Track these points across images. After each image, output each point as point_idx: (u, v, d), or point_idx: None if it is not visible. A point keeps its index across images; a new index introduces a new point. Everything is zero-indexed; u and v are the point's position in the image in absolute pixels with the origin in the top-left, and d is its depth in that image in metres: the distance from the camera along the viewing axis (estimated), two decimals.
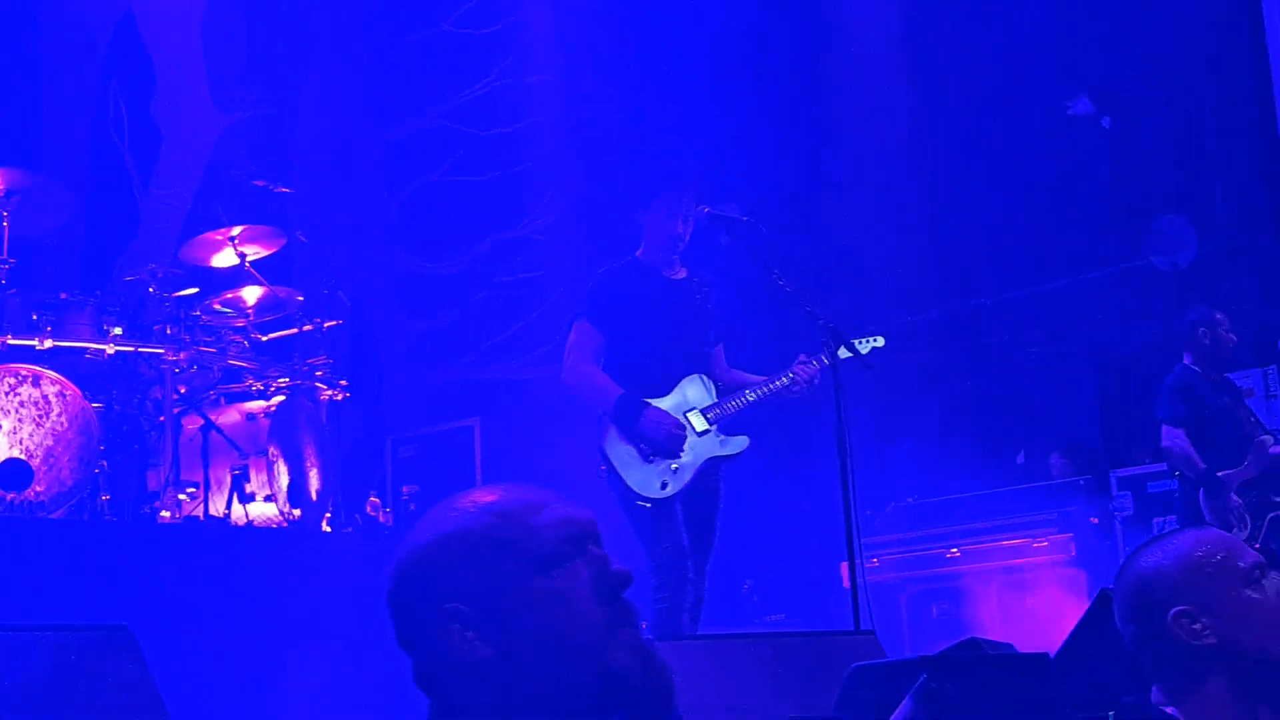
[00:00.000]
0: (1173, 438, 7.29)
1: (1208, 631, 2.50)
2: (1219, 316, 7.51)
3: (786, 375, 5.69)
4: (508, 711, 1.75)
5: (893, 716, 2.85)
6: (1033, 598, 8.70)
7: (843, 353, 5.63)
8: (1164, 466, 8.89)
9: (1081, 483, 9.20)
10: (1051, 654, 3.24)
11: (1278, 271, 9.63)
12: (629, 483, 5.55)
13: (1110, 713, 3.03)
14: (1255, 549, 3.09)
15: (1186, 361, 7.52)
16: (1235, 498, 7.09)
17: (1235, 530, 7.00)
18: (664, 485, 5.54)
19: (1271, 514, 7.11)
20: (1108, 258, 10.79)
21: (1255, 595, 2.52)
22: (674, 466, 5.57)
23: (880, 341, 5.88)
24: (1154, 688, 2.60)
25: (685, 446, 5.60)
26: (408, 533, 1.87)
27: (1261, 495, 7.08)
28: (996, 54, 10.68)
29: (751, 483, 6.90)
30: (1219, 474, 7.13)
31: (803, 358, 5.69)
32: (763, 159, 10.65)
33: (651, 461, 5.56)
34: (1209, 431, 7.26)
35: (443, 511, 1.85)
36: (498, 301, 10.85)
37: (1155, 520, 8.76)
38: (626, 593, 1.85)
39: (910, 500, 9.70)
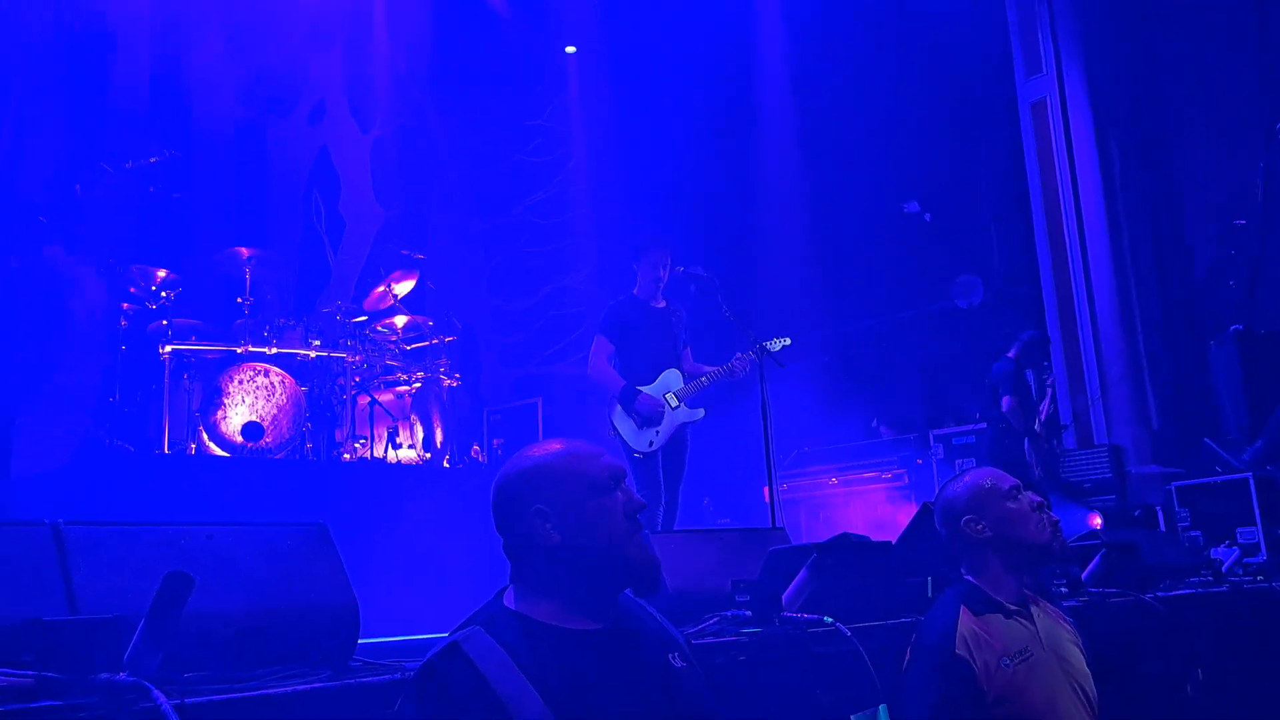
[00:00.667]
0: (1009, 405, 7.03)
1: (986, 530, 2.48)
2: (1037, 334, 7.36)
3: (727, 365, 5.51)
4: (568, 578, 1.75)
5: (794, 581, 2.90)
6: (882, 509, 8.93)
7: (777, 343, 5.56)
8: (966, 428, 9.11)
9: (911, 439, 9.42)
10: (893, 543, 3.31)
11: (1035, 310, 9.87)
12: (629, 441, 5.40)
13: (929, 577, 3.16)
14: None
15: (1010, 356, 7.26)
16: (1039, 430, 6.89)
17: (1040, 466, 6.95)
18: (651, 444, 5.41)
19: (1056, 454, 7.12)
20: (930, 298, 10.92)
21: (1013, 505, 2.49)
22: (657, 431, 5.43)
23: (788, 341, 5.68)
24: (960, 566, 2.55)
25: (664, 418, 5.44)
26: (508, 461, 1.84)
27: (1049, 436, 6.99)
28: (860, 161, 10.76)
29: (710, 438, 7.01)
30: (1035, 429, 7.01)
31: (739, 355, 5.51)
32: (712, 227, 10.65)
33: (643, 429, 5.40)
34: (1026, 402, 7.07)
35: (530, 450, 1.83)
36: (552, 326, 10.73)
37: (958, 461, 8.92)
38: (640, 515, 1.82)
39: (806, 449, 9.89)
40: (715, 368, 5.55)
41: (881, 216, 10.83)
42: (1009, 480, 2.53)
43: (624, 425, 5.42)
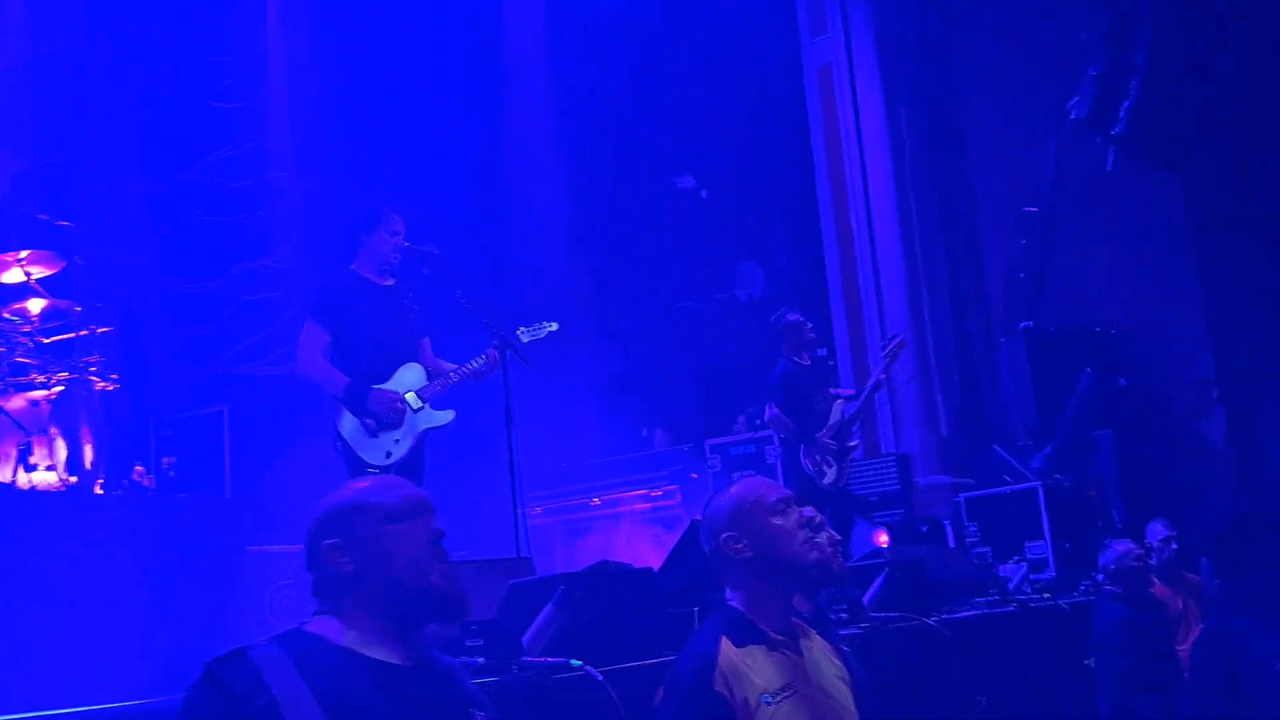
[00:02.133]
0: (771, 414, 7.16)
1: (746, 548, 2.52)
2: (801, 319, 7.43)
3: (477, 360, 5.49)
4: (367, 605, 2.01)
5: (538, 619, 2.96)
6: (652, 531, 9.00)
7: (526, 334, 5.58)
8: (745, 436, 9.43)
9: (685, 450, 9.56)
10: (656, 570, 3.41)
11: (818, 302, 10.26)
12: (362, 454, 5.22)
13: (697, 607, 3.27)
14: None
15: (785, 354, 7.30)
16: (829, 440, 7.01)
17: (828, 469, 7.01)
18: (389, 454, 5.25)
19: (848, 456, 7.16)
20: (706, 289, 11.27)
21: (779, 521, 2.55)
22: (395, 438, 5.27)
23: (553, 326, 5.71)
24: (725, 587, 2.60)
25: (405, 421, 5.29)
26: (319, 502, 2.10)
27: (840, 442, 7.11)
28: (628, 136, 10.93)
29: (452, 448, 6.83)
30: (818, 435, 7.10)
31: (490, 350, 5.49)
32: (452, 202, 10.39)
33: (377, 436, 5.24)
34: (800, 405, 7.13)
35: (335, 491, 2.13)
36: (244, 315, 10.26)
37: (735, 474, 9.00)
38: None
39: (564, 464, 9.91)
40: (468, 363, 5.50)
41: (653, 194, 11.05)
42: (777, 492, 2.61)
43: (354, 433, 5.24)
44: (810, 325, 7.43)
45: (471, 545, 9.01)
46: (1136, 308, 8.62)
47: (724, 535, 2.55)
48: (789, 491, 2.65)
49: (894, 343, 7.48)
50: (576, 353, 10.82)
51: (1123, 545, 5.67)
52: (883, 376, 7.53)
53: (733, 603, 2.57)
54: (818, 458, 7.04)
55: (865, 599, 4.88)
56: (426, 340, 5.63)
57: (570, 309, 10.70)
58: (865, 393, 7.36)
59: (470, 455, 8.25)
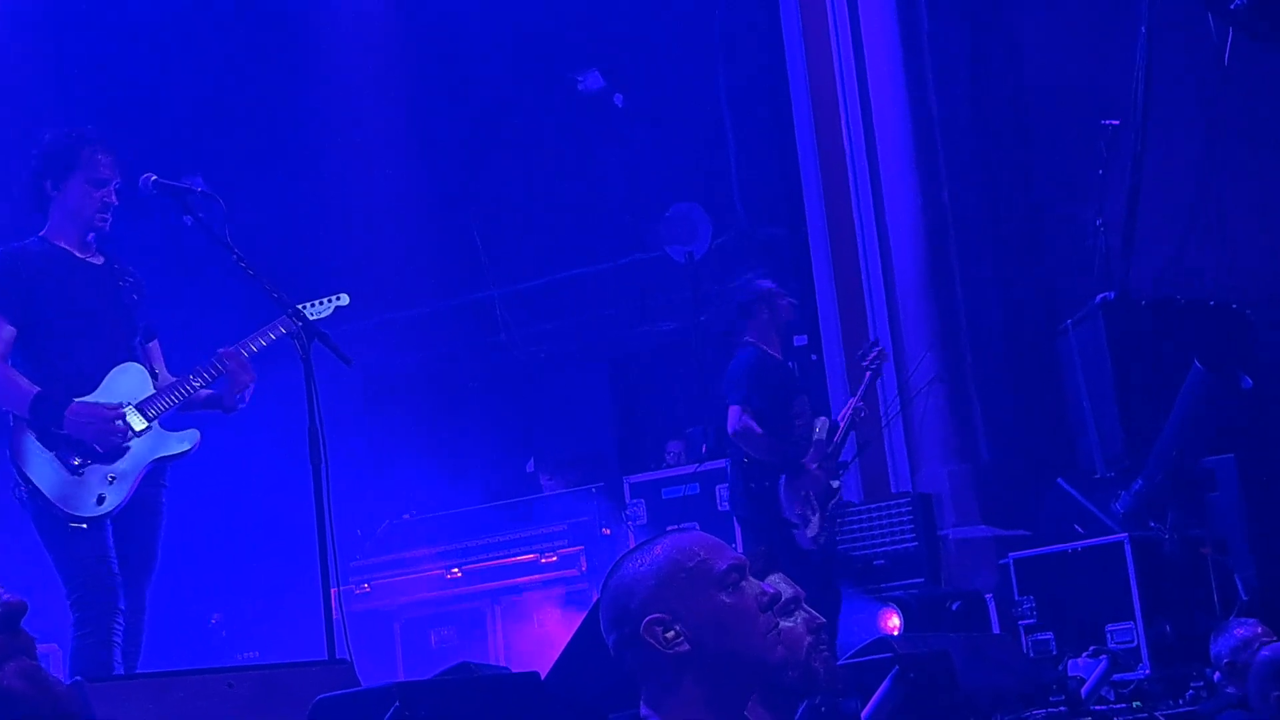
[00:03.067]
0: (744, 422, 7.33)
1: (680, 639, 2.62)
2: (776, 287, 7.66)
3: (257, 342, 5.69)
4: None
5: None
6: (542, 616, 9.11)
7: (326, 305, 5.84)
8: (677, 472, 9.62)
9: (593, 492, 9.61)
10: (542, 674, 3.51)
11: (795, 265, 10.42)
12: (56, 500, 5.38)
13: None
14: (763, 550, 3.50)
15: (750, 340, 7.57)
16: (818, 471, 7.28)
17: (812, 515, 7.27)
18: (100, 500, 5.42)
19: (833, 499, 7.46)
20: (621, 247, 11.31)
21: (728, 600, 2.65)
22: (110, 477, 5.46)
23: (346, 299, 5.99)
24: (642, 699, 2.68)
25: (124, 450, 5.49)
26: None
27: (826, 475, 7.39)
28: (503, 10, 11.08)
29: (217, 494, 6.73)
30: (803, 462, 7.32)
31: (281, 321, 5.67)
32: (230, 134, 10.84)
33: (80, 473, 5.41)
34: (776, 416, 7.40)
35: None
36: None
37: (669, 528, 9.03)
38: None
39: (407, 516, 9.95)
40: (218, 359, 5.66)
41: (543, 102, 11.09)
42: (727, 557, 2.68)
43: (42, 471, 5.42)
44: (790, 299, 7.66)
45: (267, 640, 9.32)
46: (1274, 272, 8.65)
47: (646, 620, 2.62)
48: (743, 556, 2.72)
49: (873, 353, 7.78)
50: (419, 349, 11.28)
51: (1247, 628, 5.75)
52: (860, 404, 7.77)
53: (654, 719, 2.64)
54: (803, 498, 7.27)
55: (865, 716, 4.80)
56: (155, 344, 5.89)
57: (414, 283, 11.19)
58: (841, 427, 7.64)
59: (249, 503, 8.58)
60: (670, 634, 2.61)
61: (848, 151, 10.02)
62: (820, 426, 7.54)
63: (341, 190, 11.25)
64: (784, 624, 2.97)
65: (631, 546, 7.77)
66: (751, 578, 2.70)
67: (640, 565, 2.70)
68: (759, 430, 7.31)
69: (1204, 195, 9.19)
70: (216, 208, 5.64)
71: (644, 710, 2.66)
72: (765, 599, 2.67)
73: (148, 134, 9.89)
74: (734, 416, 7.35)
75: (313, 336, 5.48)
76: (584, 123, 11.14)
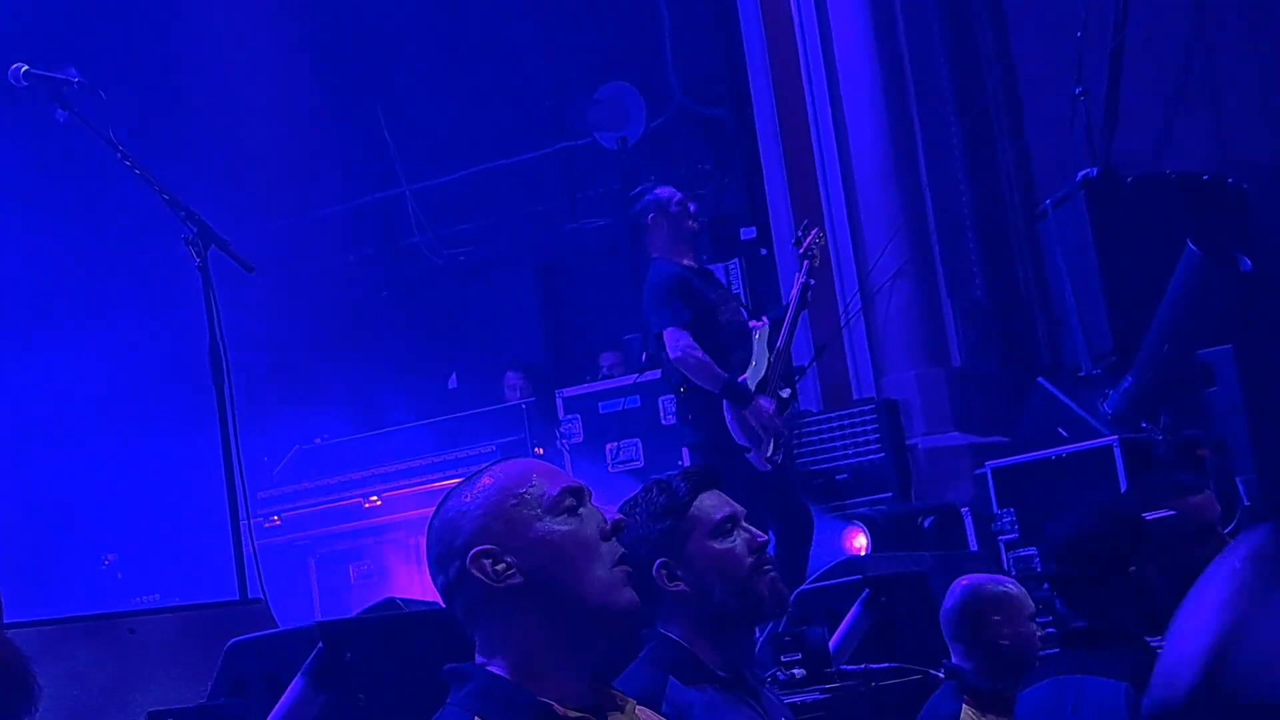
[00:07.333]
0: (681, 344, 7.34)
1: (512, 570, 2.66)
2: (674, 193, 7.71)
3: None
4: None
5: (283, 699, 3.18)
6: None
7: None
8: (615, 384, 9.60)
9: (524, 407, 9.63)
10: None
11: (740, 149, 10.41)
12: None
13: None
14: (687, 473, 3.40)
15: (657, 255, 7.65)
16: (764, 402, 7.31)
17: (765, 440, 7.32)
18: None
19: (785, 410, 7.48)
20: (545, 135, 11.30)
21: (564, 526, 2.69)
22: None
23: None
24: (475, 646, 2.72)
25: None
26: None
27: (772, 394, 7.43)
28: None
29: (102, 422, 6.78)
30: (740, 379, 7.33)
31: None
32: (123, 30, 10.76)
33: None
34: (709, 335, 7.43)
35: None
36: None
37: (609, 446, 9.36)
38: None
39: (319, 440, 10.00)
40: None
41: None
42: (559, 481, 2.73)
43: None
44: (692, 206, 7.69)
45: (165, 583, 9.43)
46: (1273, 141, 8.63)
47: (471, 552, 2.66)
48: (580, 481, 2.76)
49: (809, 237, 7.73)
50: (325, 255, 11.28)
51: (1256, 538, 5.56)
52: (809, 282, 7.71)
53: (492, 666, 2.67)
54: (754, 417, 7.29)
55: (833, 643, 5.06)
56: None
57: (316, 177, 11.24)
58: (787, 319, 7.64)
59: (141, 430, 8.58)
60: (501, 565, 2.64)
61: (796, 17, 9.88)
62: (760, 342, 7.48)
63: (234, 83, 11.15)
64: (720, 545, 3.12)
65: (586, 470, 7.88)
66: (593, 504, 2.73)
67: (465, 498, 2.73)
68: (704, 355, 7.30)
69: (1193, 58, 9.10)
70: (96, 100, 5.72)
71: (479, 658, 2.68)
72: (608, 527, 2.70)
73: (16, 21, 9.76)
74: (672, 339, 7.35)
75: (210, 242, 5.54)
76: None
